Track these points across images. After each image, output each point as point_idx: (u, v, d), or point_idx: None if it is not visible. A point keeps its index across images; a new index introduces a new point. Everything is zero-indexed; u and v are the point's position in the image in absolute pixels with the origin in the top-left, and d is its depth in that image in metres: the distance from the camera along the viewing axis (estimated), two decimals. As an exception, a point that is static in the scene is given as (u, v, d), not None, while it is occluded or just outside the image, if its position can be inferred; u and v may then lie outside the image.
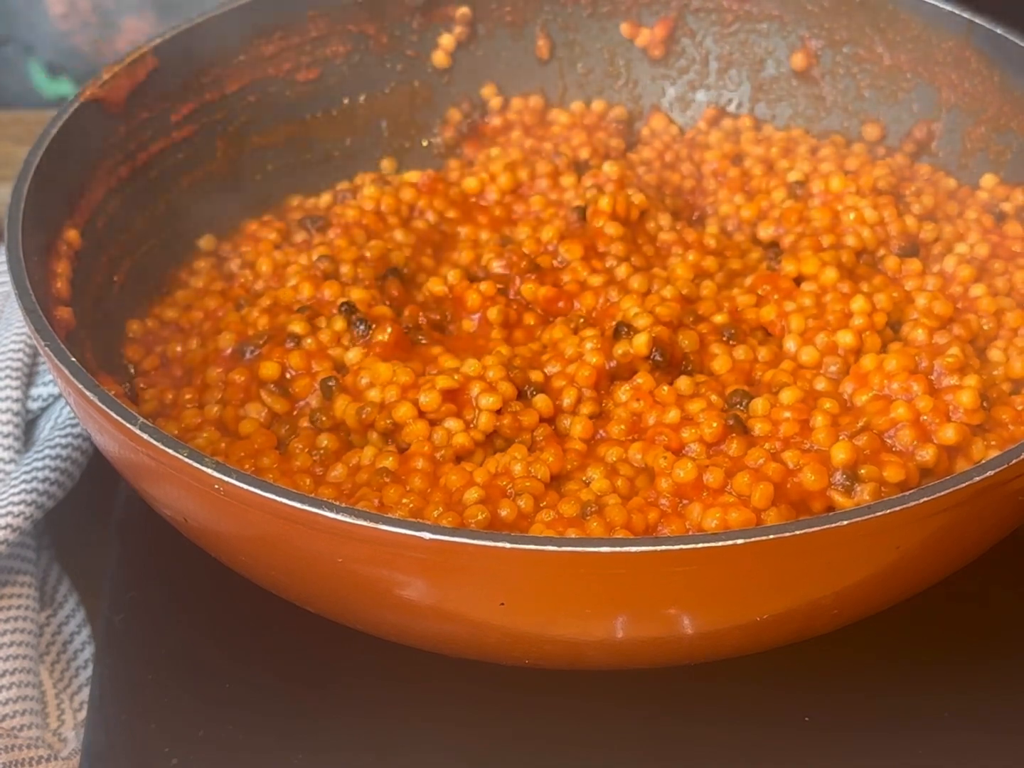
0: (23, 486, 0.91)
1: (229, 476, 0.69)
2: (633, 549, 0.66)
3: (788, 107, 1.10)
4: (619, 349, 0.87)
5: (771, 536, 0.66)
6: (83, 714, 0.88)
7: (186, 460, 0.70)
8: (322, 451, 0.84)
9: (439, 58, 1.10)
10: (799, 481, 0.78)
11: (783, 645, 0.78)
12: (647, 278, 0.93)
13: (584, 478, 0.81)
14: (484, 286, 0.92)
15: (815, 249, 0.95)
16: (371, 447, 0.83)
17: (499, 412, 0.83)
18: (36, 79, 1.44)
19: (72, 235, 0.90)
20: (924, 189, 1.02)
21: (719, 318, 0.91)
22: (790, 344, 0.89)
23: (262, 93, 1.05)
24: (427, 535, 0.66)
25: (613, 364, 0.87)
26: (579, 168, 1.05)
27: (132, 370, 0.91)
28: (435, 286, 0.94)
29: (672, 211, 1.02)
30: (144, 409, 0.88)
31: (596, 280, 0.93)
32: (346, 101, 1.09)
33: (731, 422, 0.82)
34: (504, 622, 0.71)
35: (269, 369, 0.87)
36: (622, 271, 0.94)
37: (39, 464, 0.92)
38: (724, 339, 0.89)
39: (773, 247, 0.99)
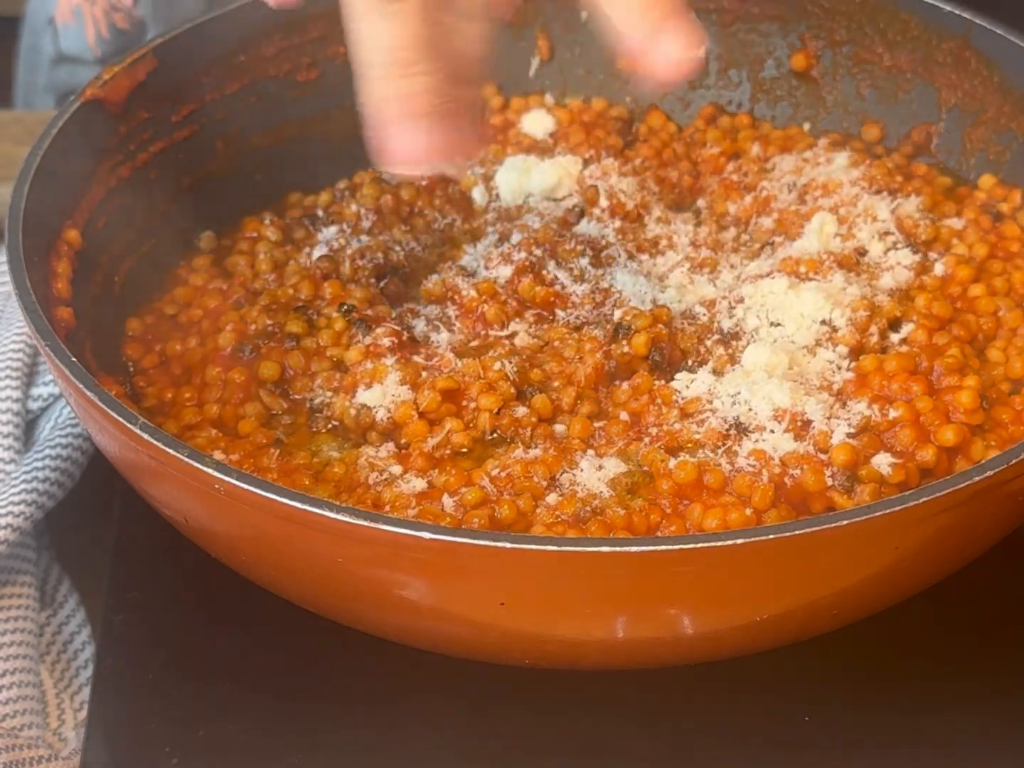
0: (23, 486, 0.91)
1: (229, 476, 0.69)
2: (633, 549, 0.66)
3: (788, 107, 1.10)
4: (618, 349, 0.87)
5: (771, 536, 0.66)
6: (83, 714, 0.88)
7: (186, 460, 0.70)
8: (321, 451, 0.84)
9: (439, 58, 1.10)
10: (799, 482, 0.78)
11: (783, 645, 0.78)
12: (646, 277, 0.93)
13: (583, 478, 0.81)
14: (483, 285, 0.92)
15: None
16: (370, 446, 0.83)
17: (498, 412, 0.83)
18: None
19: (72, 235, 0.90)
20: (922, 189, 1.01)
21: (718, 317, 0.91)
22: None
23: (262, 93, 1.05)
24: (427, 535, 0.66)
25: (612, 364, 0.87)
26: (577, 166, 1.05)
27: (131, 368, 0.91)
28: (434, 285, 0.94)
29: (670, 209, 1.02)
30: (143, 407, 0.88)
31: (594, 279, 0.93)
32: (346, 101, 1.08)
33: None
34: (504, 622, 0.71)
35: (268, 369, 0.87)
36: (621, 269, 0.94)
37: (39, 464, 0.92)
38: (723, 339, 0.89)
39: (770, 246, 0.99)
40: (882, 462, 0.80)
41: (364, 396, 0.85)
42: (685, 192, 1.05)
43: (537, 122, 1.09)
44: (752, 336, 0.89)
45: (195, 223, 1.01)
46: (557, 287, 0.92)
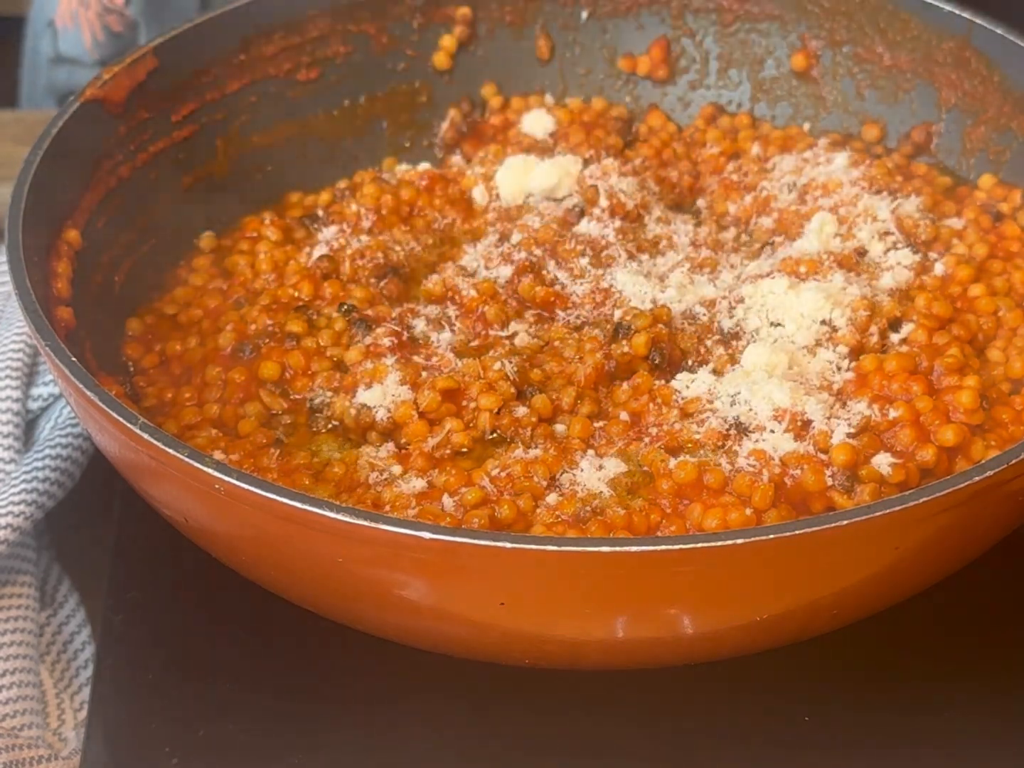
0: (23, 486, 0.91)
1: (229, 476, 0.69)
2: (633, 549, 0.66)
3: (788, 107, 1.10)
4: (618, 349, 0.87)
5: (771, 536, 0.66)
6: (83, 714, 0.88)
7: (186, 460, 0.70)
8: (321, 451, 0.84)
9: (439, 58, 1.10)
10: (799, 482, 0.78)
11: (783, 645, 0.78)
12: (646, 277, 0.93)
13: (583, 478, 0.81)
14: (482, 285, 0.92)
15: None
16: (370, 446, 0.83)
17: (498, 412, 0.83)
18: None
19: (72, 235, 0.90)
20: (922, 189, 1.01)
21: (718, 317, 0.91)
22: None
23: (262, 93, 1.05)
24: (427, 535, 0.66)
25: (612, 364, 0.87)
26: (577, 165, 1.05)
27: (131, 368, 0.91)
28: (434, 285, 0.94)
29: (670, 209, 1.02)
30: (143, 407, 0.88)
31: (594, 279, 0.93)
32: (346, 101, 1.09)
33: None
34: (504, 622, 0.71)
35: (268, 369, 0.88)
36: (621, 269, 0.94)
37: (39, 464, 0.92)
38: (723, 339, 0.89)
39: (770, 246, 0.99)
40: (882, 462, 0.80)
41: (364, 396, 0.85)
42: (685, 192, 1.05)
43: (537, 122, 1.09)
44: (752, 336, 0.89)
45: (195, 223, 1.01)
46: (557, 287, 0.93)
